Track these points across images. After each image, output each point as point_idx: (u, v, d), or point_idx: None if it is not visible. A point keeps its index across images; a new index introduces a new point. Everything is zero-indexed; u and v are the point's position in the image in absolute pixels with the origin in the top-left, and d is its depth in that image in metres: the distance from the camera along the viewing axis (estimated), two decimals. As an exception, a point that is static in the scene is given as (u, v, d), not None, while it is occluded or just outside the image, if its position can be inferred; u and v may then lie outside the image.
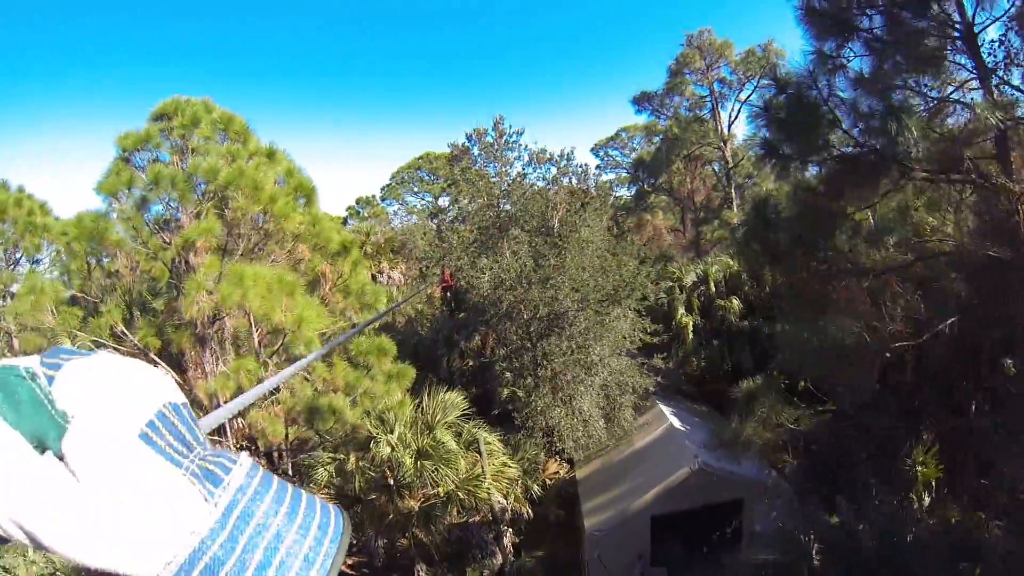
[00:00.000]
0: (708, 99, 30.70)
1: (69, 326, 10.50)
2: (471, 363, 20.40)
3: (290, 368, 1.25)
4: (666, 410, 16.92)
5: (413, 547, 12.40)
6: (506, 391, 16.92)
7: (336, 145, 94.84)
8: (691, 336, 20.21)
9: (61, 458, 0.40)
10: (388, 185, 44.74)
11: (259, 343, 10.79)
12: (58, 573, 9.63)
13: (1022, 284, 6.39)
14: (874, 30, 7.28)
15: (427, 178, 43.41)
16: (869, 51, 7.27)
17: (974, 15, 6.84)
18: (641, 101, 31.85)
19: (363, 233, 28.48)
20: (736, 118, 30.70)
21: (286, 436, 11.15)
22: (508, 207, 17.79)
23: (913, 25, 6.88)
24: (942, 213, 8.27)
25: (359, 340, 10.98)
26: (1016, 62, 7.02)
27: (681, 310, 20.70)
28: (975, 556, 7.46)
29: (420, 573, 12.70)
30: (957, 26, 6.87)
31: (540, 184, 18.72)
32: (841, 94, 6.60)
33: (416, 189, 44.17)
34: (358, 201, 44.63)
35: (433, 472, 12.02)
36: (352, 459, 12.39)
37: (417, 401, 13.13)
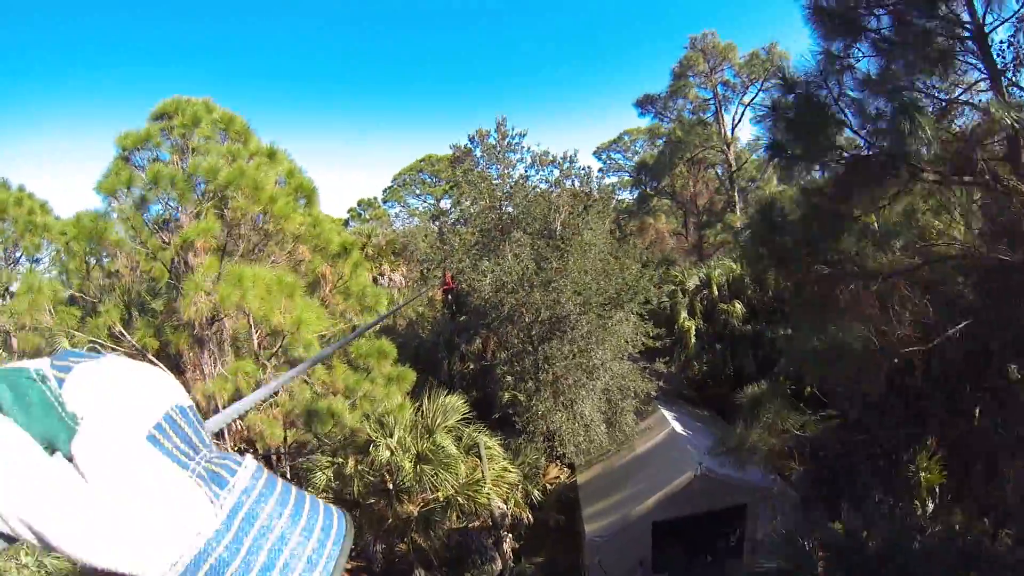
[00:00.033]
0: (712, 102, 30.62)
1: (67, 326, 10.42)
2: (472, 366, 20.31)
3: (295, 369, 1.24)
4: (668, 415, 16.81)
5: (412, 552, 12.29)
6: (507, 395, 16.82)
7: (338, 147, 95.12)
8: (693, 340, 20.08)
9: (70, 459, 0.40)
10: (390, 187, 44.72)
11: (258, 345, 10.70)
12: (51, 577, 9.51)
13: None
14: (882, 31, 7.19)
15: (429, 180, 43.39)
16: (876, 52, 7.18)
17: (984, 15, 6.74)
18: (644, 104, 31.81)
19: (364, 235, 28.40)
20: (739, 121, 30.69)
21: (284, 439, 11.05)
22: (510, 209, 17.68)
23: (921, 25, 6.78)
24: (949, 216, 8.16)
25: (359, 343, 10.88)
26: (1026, 63, 6.92)
27: (684, 314, 20.57)
28: (982, 564, 7.33)
29: (419, 578, 12.58)
30: (967, 26, 6.77)
31: (543, 186, 18.62)
32: (851, 94, 6.50)
33: (418, 191, 44.14)
34: (360, 203, 44.60)
35: (433, 477, 11.91)
36: (351, 463, 12.29)
37: (417, 405, 13.04)
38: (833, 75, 6.58)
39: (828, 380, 8.06)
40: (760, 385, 8.96)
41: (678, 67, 30.21)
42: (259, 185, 9.99)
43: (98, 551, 0.39)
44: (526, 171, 18.70)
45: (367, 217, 43.11)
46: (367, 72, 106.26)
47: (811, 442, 8.69)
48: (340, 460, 12.45)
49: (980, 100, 7.50)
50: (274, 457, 11.42)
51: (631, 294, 16.24)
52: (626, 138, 42.52)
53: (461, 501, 12.25)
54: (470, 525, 13.28)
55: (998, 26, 7.20)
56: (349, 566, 13.69)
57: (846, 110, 6.43)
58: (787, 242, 7.25)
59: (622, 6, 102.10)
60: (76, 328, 10.48)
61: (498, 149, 18.48)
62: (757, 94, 29.24)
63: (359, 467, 12.26)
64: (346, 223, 40.92)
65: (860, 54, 7.10)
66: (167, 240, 10.39)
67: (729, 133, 30.54)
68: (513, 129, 18.62)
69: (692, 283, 21.51)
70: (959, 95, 7.53)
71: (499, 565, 13.27)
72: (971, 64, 6.90)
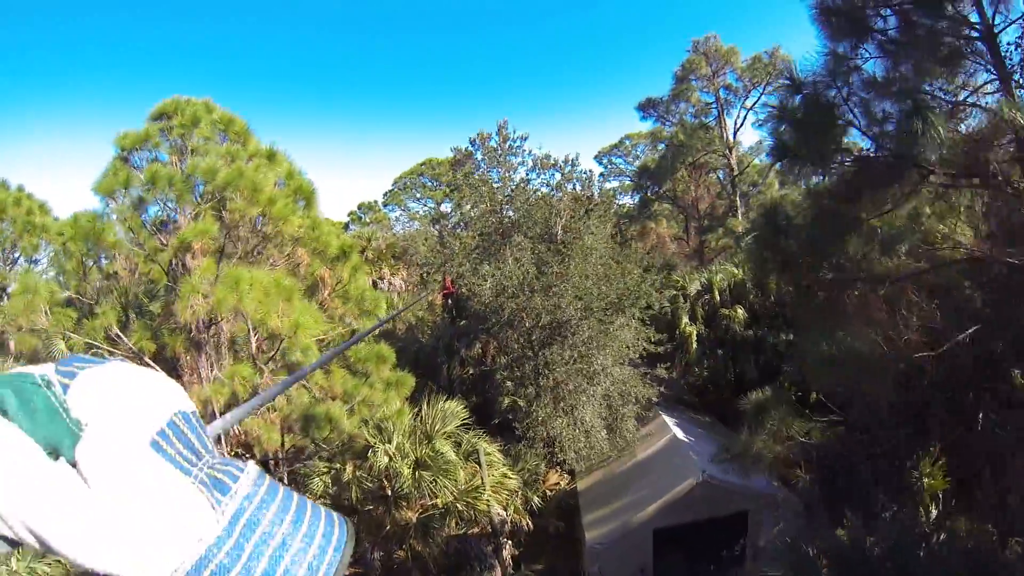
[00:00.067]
0: (714, 106, 30.55)
1: (63, 327, 10.32)
2: (471, 371, 20.19)
3: (297, 373, 1.21)
4: (669, 421, 16.68)
5: (410, 559, 12.15)
6: (507, 400, 16.68)
7: (339, 151, 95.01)
8: (695, 345, 19.96)
9: (74, 465, 0.41)
10: (390, 191, 44.66)
11: (257, 349, 10.59)
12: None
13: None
14: (888, 31, 7.10)
15: (430, 184, 43.33)
16: (883, 53, 7.09)
17: (993, 16, 6.65)
18: (646, 107, 31.76)
19: (364, 238, 28.29)
20: (742, 125, 30.62)
21: (282, 444, 10.94)
22: (511, 213, 17.58)
23: (929, 26, 6.69)
24: (953, 220, 8.07)
25: (358, 347, 10.77)
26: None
27: (685, 319, 20.45)
28: (992, 573, 7.21)
29: (417, 586, 12.43)
30: (977, 27, 6.68)
31: (544, 190, 18.49)
32: (861, 94, 6.40)
33: (419, 195, 44.07)
34: (360, 206, 44.54)
35: (432, 483, 11.77)
36: (349, 469, 12.16)
37: (416, 410, 12.92)
38: (841, 76, 6.49)
39: (835, 385, 7.94)
40: (764, 391, 8.84)
41: (680, 70, 30.15)
42: (258, 186, 9.89)
43: (100, 555, 0.39)
44: (527, 174, 18.56)
45: (367, 220, 43.03)
46: (368, 75, 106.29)
47: (817, 449, 8.56)
48: (338, 466, 12.31)
49: (986, 102, 7.43)
50: (271, 462, 11.30)
51: (633, 299, 16.10)
52: (627, 142, 42.46)
53: (460, 508, 12.12)
54: (469, 532, 13.15)
55: (1005, 27, 7.12)
56: (348, 573, 13.50)
57: (855, 110, 6.34)
58: (792, 246, 7.15)
59: (624, 9, 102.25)
60: (72, 330, 10.38)
61: (499, 152, 18.34)
62: (759, 98, 29.20)
63: (357, 473, 12.13)
64: (346, 226, 40.84)
65: (867, 55, 7.01)
66: (165, 242, 10.29)
67: (731, 137, 30.46)
68: (514, 132, 18.47)
69: (693, 288, 21.39)
70: (965, 97, 7.45)
71: (498, 572, 13.14)
72: (980, 65, 6.80)
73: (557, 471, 15.96)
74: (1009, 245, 6.40)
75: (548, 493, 15.30)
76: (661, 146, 33.05)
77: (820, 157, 6.34)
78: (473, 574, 12.82)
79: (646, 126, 35.17)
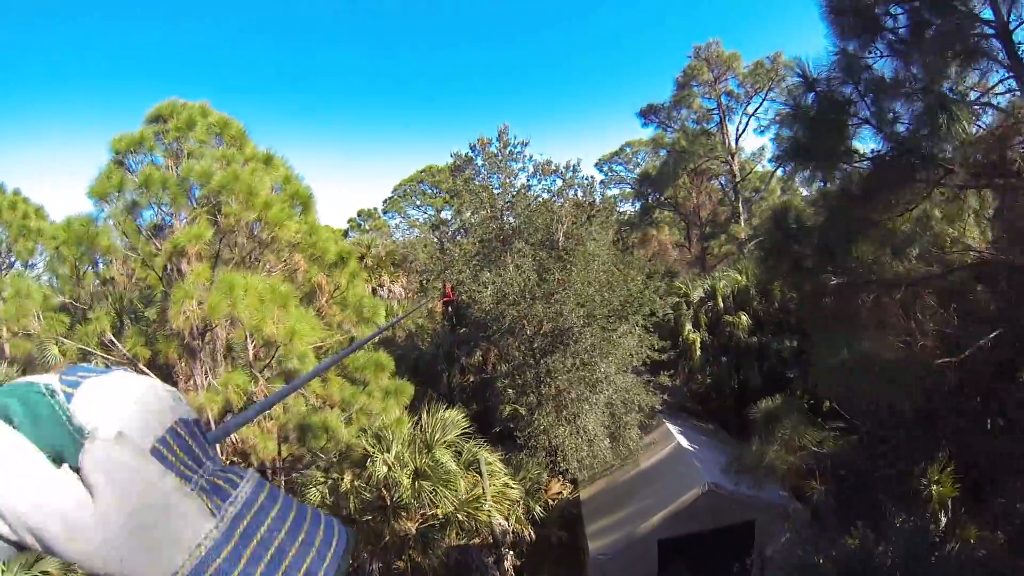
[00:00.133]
0: (715, 112, 30.40)
1: (56, 332, 10.12)
2: (472, 379, 19.97)
3: (297, 381, 1.17)
4: (673, 429, 16.43)
5: (410, 571, 11.90)
6: (508, 409, 16.45)
7: (339, 159, 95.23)
8: (698, 353, 19.73)
9: (77, 471, 0.41)
10: (390, 198, 44.51)
11: (253, 356, 10.39)
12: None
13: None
14: (899, 30, 6.94)
15: (429, 191, 43.19)
16: (893, 52, 6.92)
17: (1008, 13, 6.48)
18: (648, 113, 31.62)
19: (364, 245, 28.12)
20: (744, 131, 30.44)
21: (279, 453, 10.71)
22: (512, 219, 17.39)
23: (943, 23, 6.52)
24: (962, 224, 7.90)
25: (356, 355, 10.56)
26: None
27: (688, 326, 20.23)
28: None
29: (417, 598, 12.16)
30: (991, 24, 6.51)
31: (545, 196, 18.31)
32: (873, 93, 6.23)
33: (418, 202, 43.92)
34: (360, 213, 44.39)
35: (431, 493, 11.51)
36: (347, 478, 11.90)
37: (416, 418, 12.69)
38: (854, 73, 6.31)
39: (850, 394, 7.72)
40: (774, 400, 8.60)
41: (682, 76, 30.02)
42: (253, 190, 9.71)
43: (99, 560, 0.40)
44: (528, 180, 18.39)
45: (367, 228, 42.87)
46: (369, 83, 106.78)
47: (831, 459, 8.33)
48: (336, 475, 12.07)
49: (999, 102, 7.26)
50: (268, 472, 11.07)
51: (636, 306, 15.90)
52: (628, 149, 42.36)
53: (461, 518, 11.86)
54: (470, 542, 12.89)
55: (1020, 25, 6.96)
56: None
57: (870, 108, 6.15)
58: (803, 249, 6.95)
59: (625, 16, 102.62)
60: (65, 335, 10.18)
61: (500, 158, 18.16)
62: (761, 104, 29.11)
63: (355, 483, 11.87)
64: (346, 233, 40.69)
65: (877, 54, 6.84)
66: (160, 246, 10.10)
67: (733, 143, 30.29)
68: (515, 138, 18.30)
69: (696, 295, 21.17)
70: (977, 97, 7.29)
71: (500, 584, 12.87)
72: (995, 63, 6.63)
73: (559, 480, 15.71)
74: (1020, 247, 6.20)
75: (550, 502, 15.03)
76: (662, 152, 32.90)
77: (834, 155, 6.14)
78: (474, 586, 12.57)
79: (647, 132, 35.04)
